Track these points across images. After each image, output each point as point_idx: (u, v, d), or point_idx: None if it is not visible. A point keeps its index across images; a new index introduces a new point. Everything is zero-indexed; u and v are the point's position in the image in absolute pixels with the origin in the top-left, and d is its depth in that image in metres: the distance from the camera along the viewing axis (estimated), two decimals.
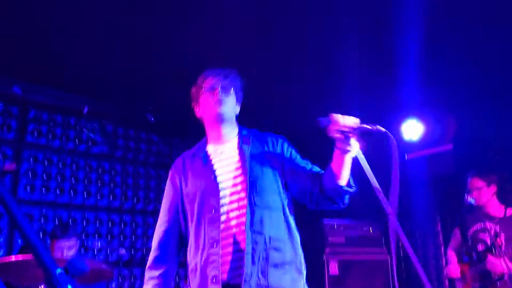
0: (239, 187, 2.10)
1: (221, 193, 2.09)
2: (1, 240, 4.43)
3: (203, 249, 2.05)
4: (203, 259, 2.03)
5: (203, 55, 3.84)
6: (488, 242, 3.90)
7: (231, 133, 2.27)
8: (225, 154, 2.21)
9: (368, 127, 1.91)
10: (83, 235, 4.90)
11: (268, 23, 3.73)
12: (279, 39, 3.94)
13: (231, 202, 2.08)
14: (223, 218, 2.05)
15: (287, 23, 3.72)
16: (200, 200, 2.10)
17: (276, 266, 2.01)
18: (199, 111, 2.31)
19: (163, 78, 4.63)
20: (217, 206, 2.06)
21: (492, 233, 3.76)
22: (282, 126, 3.62)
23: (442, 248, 5.43)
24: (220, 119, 2.22)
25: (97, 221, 5.07)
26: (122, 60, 4.29)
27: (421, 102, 4.99)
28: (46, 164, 4.84)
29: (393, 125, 5.24)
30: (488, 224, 3.87)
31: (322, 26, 3.73)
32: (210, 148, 2.26)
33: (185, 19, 3.65)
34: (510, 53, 4.11)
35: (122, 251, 4.93)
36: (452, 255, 4.25)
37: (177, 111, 5.35)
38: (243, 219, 2.03)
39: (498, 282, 3.77)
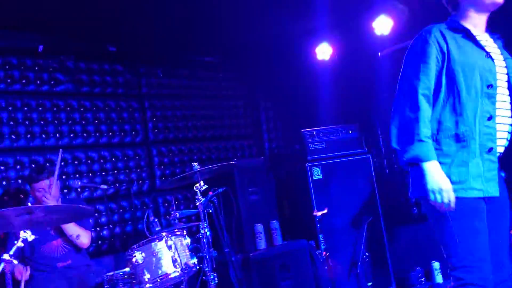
0: (504, 71, 2.32)
1: (497, 74, 2.27)
2: None
3: (475, 121, 2.20)
4: (477, 130, 2.19)
5: None
6: None
7: (484, 26, 2.37)
8: (489, 42, 2.35)
9: None
10: (63, 176, 4.82)
11: None
12: None
13: (502, 84, 2.29)
14: (497, 96, 2.25)
15: None
16: (475, 73, 2.21)
17: None
18: None
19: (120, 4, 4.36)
20: (494, 84, 2.24)
21: None
22: None
23: None
24: (494, 8, 2.31)
25: (75, 161, 4.97)
26: None
27: None
28: (10, 110, 4.63)
29: (365, 22, 5.14)
30: None
31: None
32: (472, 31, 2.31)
33: None
34: None
35: (104, 187, 4.90)
36: None
37: (140, 38, 5.11)
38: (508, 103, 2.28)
39: None
